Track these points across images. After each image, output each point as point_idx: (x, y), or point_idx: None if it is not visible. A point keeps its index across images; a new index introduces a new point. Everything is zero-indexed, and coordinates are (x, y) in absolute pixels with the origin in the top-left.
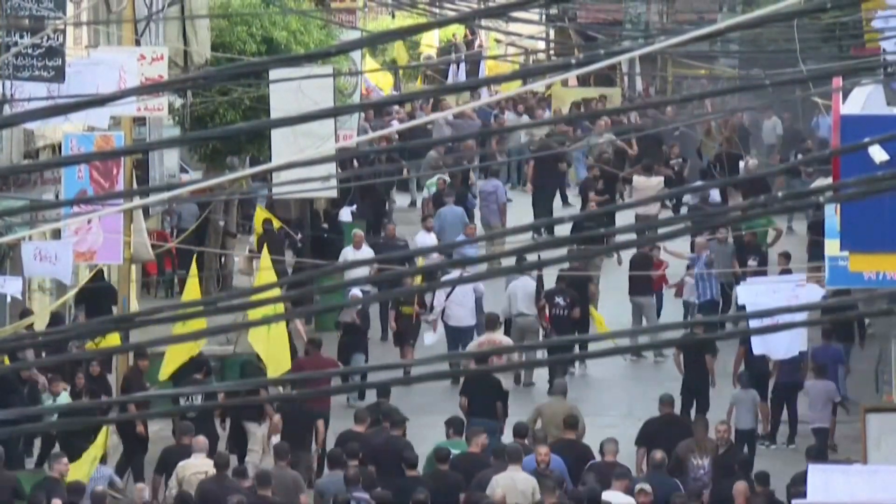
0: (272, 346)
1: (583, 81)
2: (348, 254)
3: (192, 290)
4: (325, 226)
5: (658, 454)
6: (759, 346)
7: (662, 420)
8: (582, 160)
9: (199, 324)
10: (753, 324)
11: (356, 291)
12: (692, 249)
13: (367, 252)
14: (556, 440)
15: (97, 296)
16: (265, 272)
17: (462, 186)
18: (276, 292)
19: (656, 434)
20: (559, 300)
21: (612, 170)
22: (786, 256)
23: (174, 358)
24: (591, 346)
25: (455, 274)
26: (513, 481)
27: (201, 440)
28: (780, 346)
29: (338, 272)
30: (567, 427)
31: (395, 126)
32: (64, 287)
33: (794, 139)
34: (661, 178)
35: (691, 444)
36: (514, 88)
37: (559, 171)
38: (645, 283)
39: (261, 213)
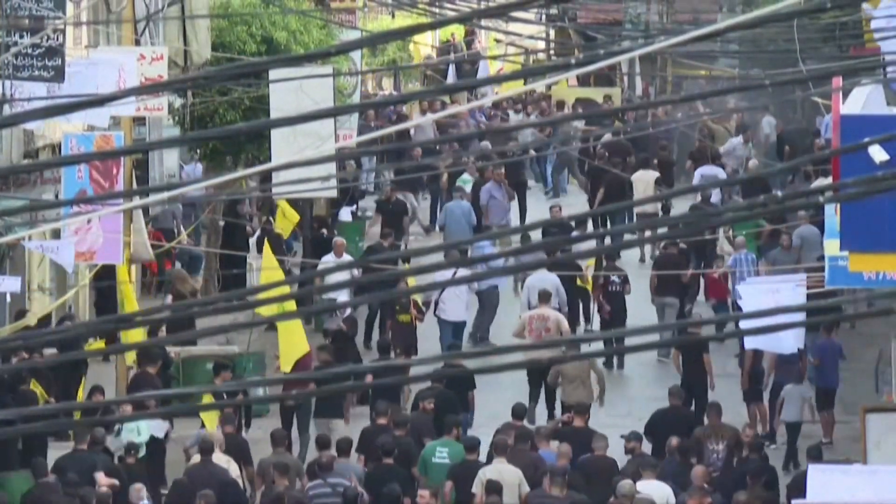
0: (287, 336)
1: (583, 81)
2: (329, 262)
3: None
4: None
5: (674, 441)
6: (752, 341)
7: (670, 411)
8: (552, 160)
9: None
10: (753, 323)
11: (343, 298)
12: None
13: (347, 260)
14: (569, 428)
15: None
16: (270, 272)
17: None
18: (277, 292)
19: (663, 424)
20: (614, 277)
21: (618, 172)
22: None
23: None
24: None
25: (449, 272)
26: (499, 474)
27: (217, 435)
28: (779, 342)
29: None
30: (577, 413)
31: (401, 125)
32: (64, 287)
33: (794, 139)
34: (657, 175)
35: (707, 429)
36: (521, 87)
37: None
38: (672, 283)
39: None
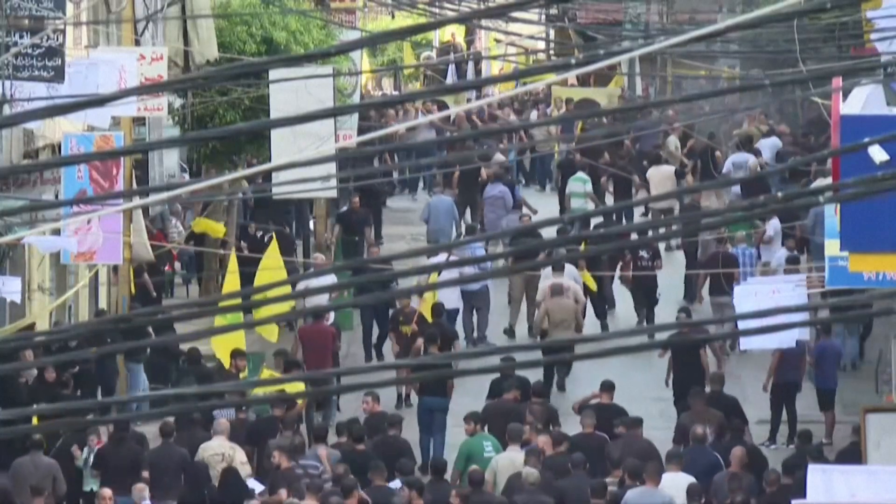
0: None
1: (583, 82)
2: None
3: (231, 285)
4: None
5: (699, 429)
6: (750, 341)
7: (711, 397)
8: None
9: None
10: (753, 324)
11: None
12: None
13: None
14: (591, 404)
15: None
16: (272, 272)
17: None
18: (278, 292)
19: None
20: (643, 252)
21: (625, 174)
22: (793, 260)
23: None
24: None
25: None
26: (511, 461)
27: (223, 423)
28: (777, 337)
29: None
30: (603, 390)
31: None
32: (64, 287)
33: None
34: (673, 168)
35: (693, 415)
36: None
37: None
38: (727, 282)
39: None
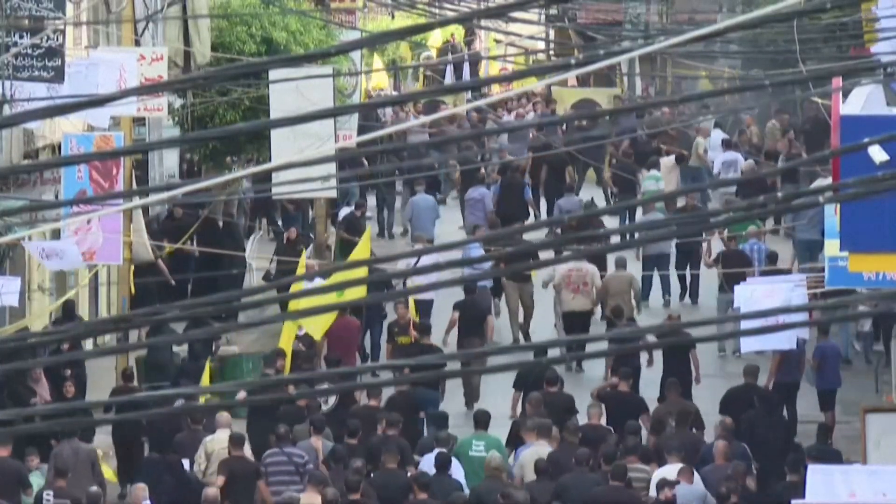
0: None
1: (583, 82)
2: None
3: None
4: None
5: (727, 420)
6: (749, 342)
7: (743, 389)
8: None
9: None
10: (753, 325)
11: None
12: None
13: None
14: (608, 392)
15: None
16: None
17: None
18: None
19: (736, 402)
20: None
21: (626, 175)
22: (772, 259)
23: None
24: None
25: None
26: (538, 454)
27: (225, 416)
28: (776, 338)
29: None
30: (622, 378)
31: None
32: (64, 287)
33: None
34: (673, 157)
35: (668, 407)
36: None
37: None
38: (739, 280)
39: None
